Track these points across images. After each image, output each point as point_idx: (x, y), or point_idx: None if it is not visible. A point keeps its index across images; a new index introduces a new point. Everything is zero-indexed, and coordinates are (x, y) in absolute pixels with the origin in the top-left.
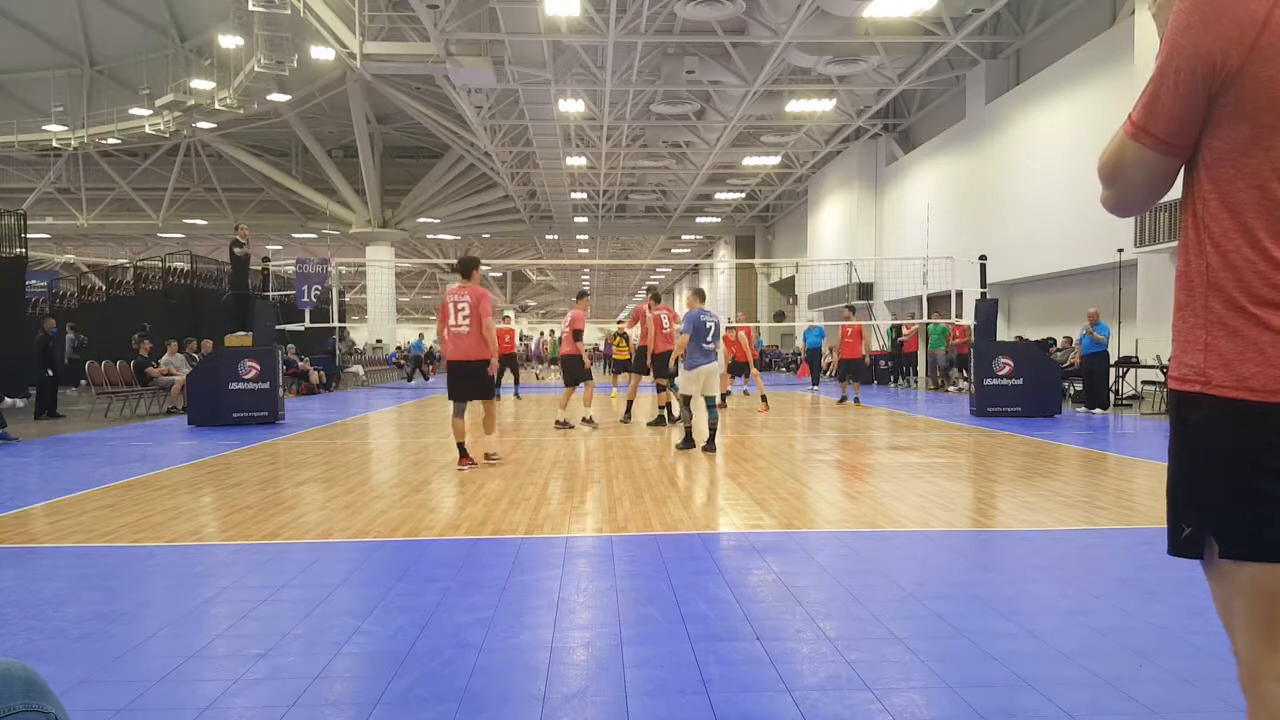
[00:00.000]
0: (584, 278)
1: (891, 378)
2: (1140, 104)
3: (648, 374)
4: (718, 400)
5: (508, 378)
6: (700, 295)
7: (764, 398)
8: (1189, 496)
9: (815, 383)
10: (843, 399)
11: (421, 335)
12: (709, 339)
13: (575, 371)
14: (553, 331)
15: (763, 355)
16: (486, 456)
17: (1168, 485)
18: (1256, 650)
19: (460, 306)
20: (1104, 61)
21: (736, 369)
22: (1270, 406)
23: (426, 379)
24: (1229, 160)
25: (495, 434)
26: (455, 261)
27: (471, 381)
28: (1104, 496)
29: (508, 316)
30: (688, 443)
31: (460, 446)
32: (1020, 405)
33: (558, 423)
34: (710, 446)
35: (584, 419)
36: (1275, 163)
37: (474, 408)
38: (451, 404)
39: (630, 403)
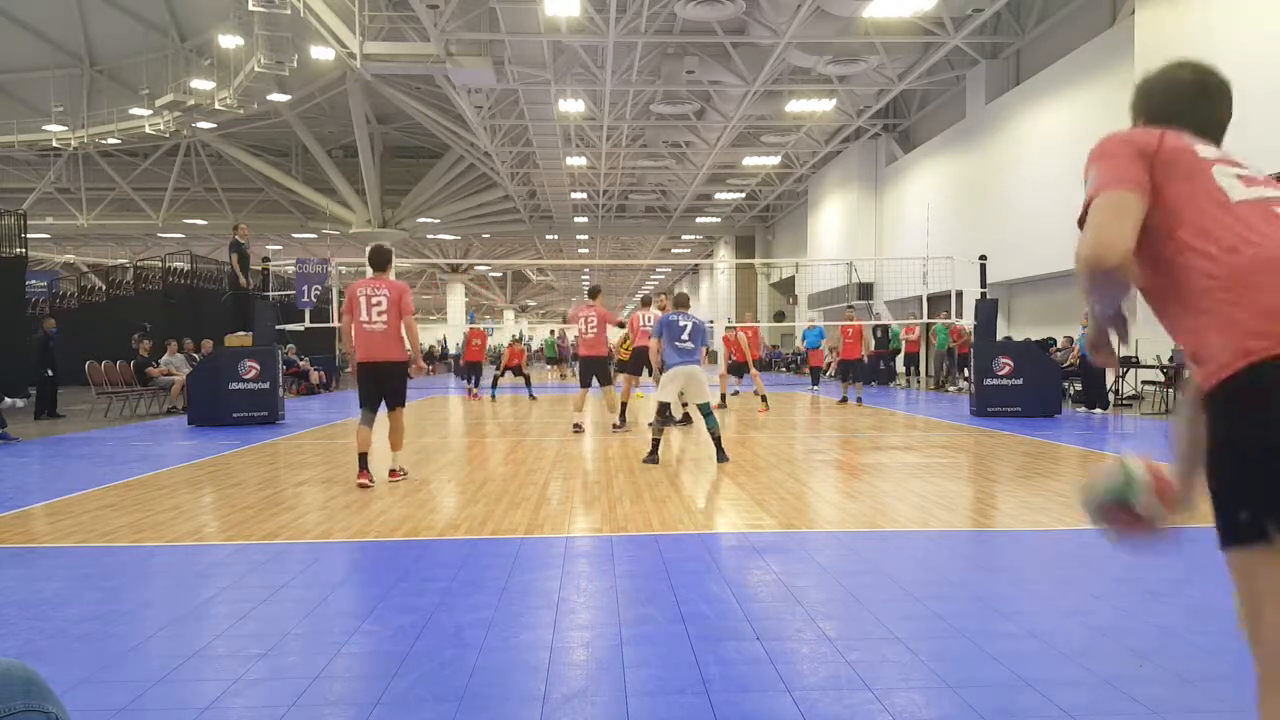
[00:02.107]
0: (584, 278)
1: (891, 378)
2: (1099, 181)
3: (640, 374)
4: (714, 404)
5: (510, 379)
6: (676, 300)
7: (764, 398)
8: (1248, 481)
9: (815, 382)
10: (843, 399)
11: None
12: (683, 336)
13: (601, 373)
14: (553, 331)
15: (763, 355)
16: (391, 474)
17: (1215, 479)
18: None
19: (376, 301)
20: (1104, 61)
21: (735, 369)
22: None
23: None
24: (1186, 200)
25: (399, 453)
26: (371, 250)
27: (385, 386)
28: None
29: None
30: (652, 458)
31: (361, 458)
32: (1020, 405)
33: (615, 426)
34: (721, 457)
35: (575, 424)
36: (1215, 192)
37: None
38: (360, 411)
39: (624, 405)
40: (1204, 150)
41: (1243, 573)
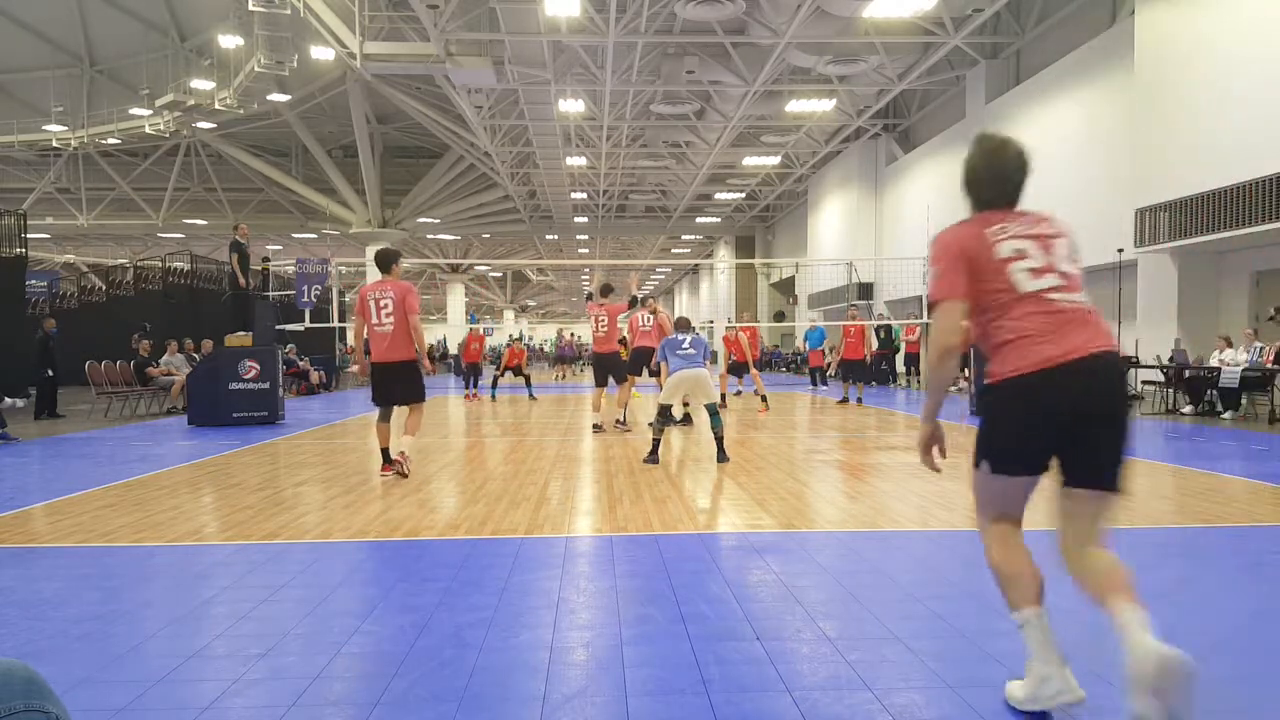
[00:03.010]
0: (584, 278)
1: (891, 378)
2: (939, 289)
3: (640, 374)
4: (717, 404)
5: (510, 379)
6: (677, 324)
7: (764, 398)
8: (994, 438)
9: (818, 383)
10: (844, 399)
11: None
12: (684, 346)
13: (615, 370)
14: (559, 330)
15: (762, 355)
16: (394, 460)
17: (980, 433)
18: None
19: (383, 304)
20: (1104, 61)
21: (736, 369)
22: (1032, 376)
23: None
24: (990, 297)
25: (411, 439)
26: (376, 254)
27: (397, 385)
28: None
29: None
30: (652, 458)
31: (384, 452)
32: None
33: (617, 422)
34: (721, 457)
35: (617, 420)
36: (1002, 304)
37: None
38: (377, 410)
39: (625, 405)
40: (1004, 248)
41: (975, 479)
